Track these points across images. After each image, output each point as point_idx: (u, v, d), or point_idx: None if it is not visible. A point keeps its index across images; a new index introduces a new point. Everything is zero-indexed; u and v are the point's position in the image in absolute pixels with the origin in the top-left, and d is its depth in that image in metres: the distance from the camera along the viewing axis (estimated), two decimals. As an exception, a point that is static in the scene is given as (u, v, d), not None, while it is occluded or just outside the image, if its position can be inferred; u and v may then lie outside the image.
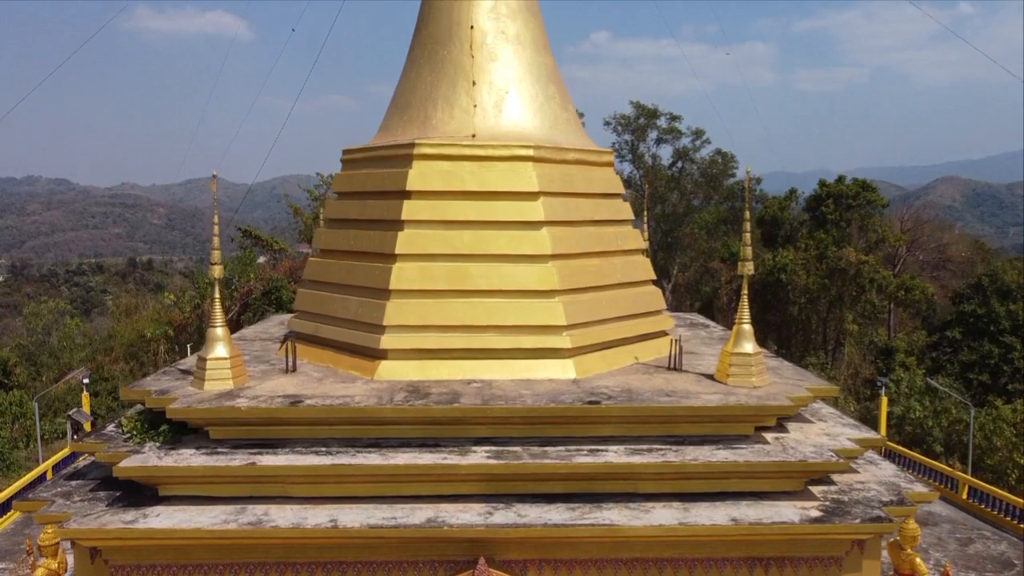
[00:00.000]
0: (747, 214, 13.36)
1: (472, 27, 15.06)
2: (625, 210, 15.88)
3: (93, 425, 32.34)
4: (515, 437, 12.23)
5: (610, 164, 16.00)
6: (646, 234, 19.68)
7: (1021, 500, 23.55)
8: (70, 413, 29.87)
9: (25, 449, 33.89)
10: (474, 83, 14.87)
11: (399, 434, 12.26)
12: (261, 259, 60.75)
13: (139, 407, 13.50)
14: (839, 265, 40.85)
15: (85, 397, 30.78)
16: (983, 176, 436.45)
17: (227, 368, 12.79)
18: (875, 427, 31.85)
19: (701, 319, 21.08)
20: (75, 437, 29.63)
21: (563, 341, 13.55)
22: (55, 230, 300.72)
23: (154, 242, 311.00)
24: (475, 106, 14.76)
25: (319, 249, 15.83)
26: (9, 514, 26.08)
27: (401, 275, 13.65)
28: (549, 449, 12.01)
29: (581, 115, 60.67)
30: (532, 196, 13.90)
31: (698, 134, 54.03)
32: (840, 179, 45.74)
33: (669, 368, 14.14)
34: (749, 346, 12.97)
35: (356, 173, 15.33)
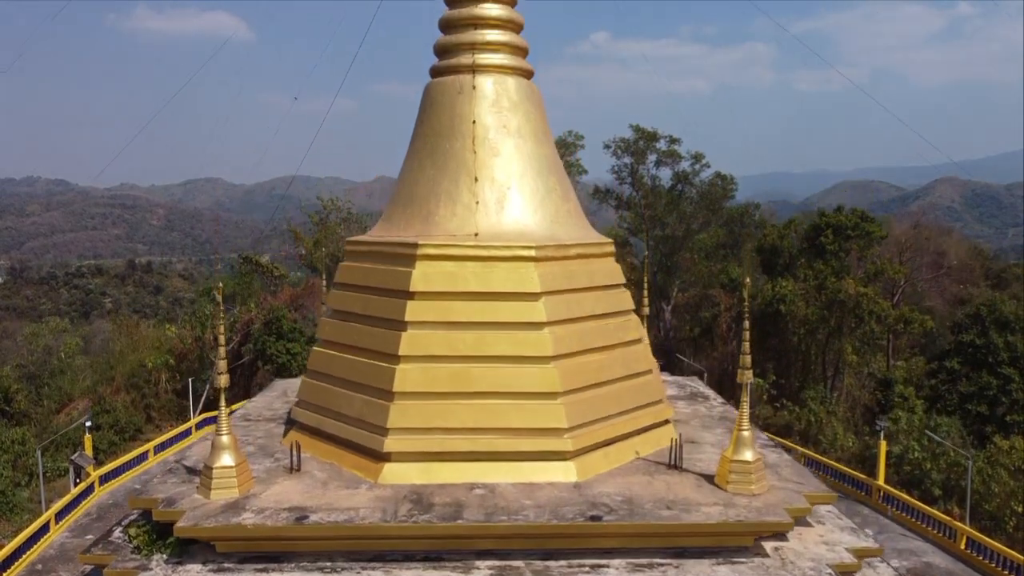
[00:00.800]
0: (746, 323, 13.46)
1: (474, 121, 15.20)
2: (626, 300, 16.01)
3: (97, 456, 32.50)
4: (518, 550, 12.38)
5: (611, 254, 16.13)
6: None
7: (1020, 556, 23.71)
8: (73, 458, 29.94)
9: (27, 488, 34.01)
10: (476, 179, 15.00)
11: (404, 547, 12.41)
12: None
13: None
14: (838, 297, 41.00)
15: (87, 439, 30.86)
16: (982, 176, 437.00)
17: (232, 477, 12.92)
18: (873, 468, 32.03)
19: (700, 387, 21.22)
20: (77, 480, 29.80)
21: (565, 444, 13.68)
22: (54, 231, 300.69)
23: (153, 243, 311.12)
24: (477, 203, 14.90)
25: (321, 340, 15.95)
26: (11, 570, 26.19)
27: (404, 377, 13.78)
28: (551, 564, 12.16)
29: (581, 138, 60.78)
30: (534, 297, 14.03)
31: (697, 158, 54.14)
32: (839, 209, 45.89)
33: (670, 465, 14.27)
34: (749, 454, 13.11)
35: (359, 266, 15.45)
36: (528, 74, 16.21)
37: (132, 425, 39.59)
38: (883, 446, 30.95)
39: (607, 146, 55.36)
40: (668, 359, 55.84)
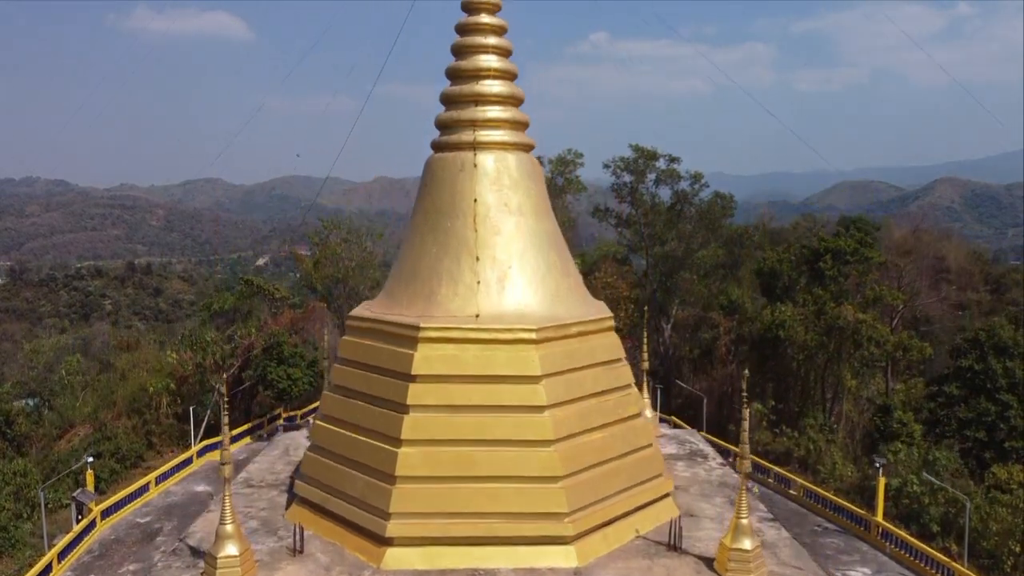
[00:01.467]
0: (744, 423, 13.55)
1: (476, 200, 15.31)
2: (625, 375, 16.12)
3: (99, 484, 32.62)
4: (519, 642, 12.51)
5: (610, 328, 16.24)
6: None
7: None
8: (75, 495, 30.06)
9: (29, 520, 34.08)
10: (478, 258, 15.12)
11: (405, 640, 12.54)
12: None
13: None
14: (837, 323, 41.05)
15: (89, 475, 30.98)
16: (981, 176, 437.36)
17: (236, 567, 13.03)
18: (872, 499, 32.17)
19: (699, 444, 21.33)
20: (79, 517, 29.93)
21: (566, 528, 13.81)
22: (54, 232, 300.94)
23: (153, 244, 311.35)
24: (479, 282, 15.01)
25: (324, 415, 16.06)
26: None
27: (406, 461, 13.90)
28: (552, 658, 12.29)
29: (580, 156, 60.87)
30: (534, 380, 14.16)
31: (696, 178, 54.20)
32: (838, 234, 45.93)
33: (670, 546, 14.39)
34: (747, 542, 13.23)
35: (361, 343, 15.55)
36: (528, 148, 16.32)
37: (133, 452, 39.64)
38: (881, 482, 31.09)
39: (606, 165, 55.39)
40: (668, 379, 56.04)
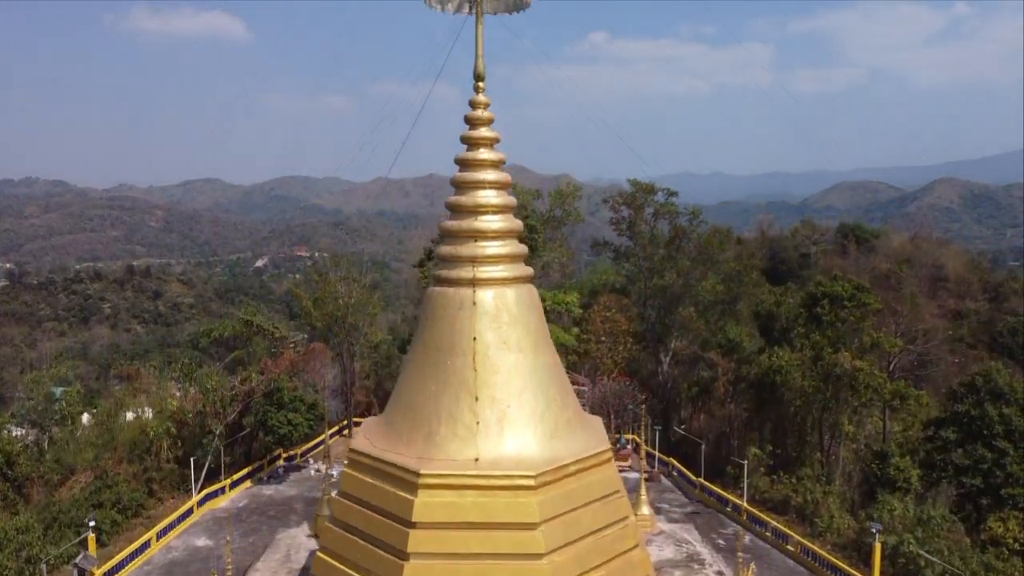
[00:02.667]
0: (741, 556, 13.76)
1: (475, 338, 15.48)
2: (623, 507, 16.32)
3: (100, 536, 32.76)
4: None
5: (608, 460, 16.43)
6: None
7: None
8: (76, 561, 30.28)
9: (32, 578, 34.34)
10: (477, 398, 15.30)
11: None
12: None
13: None
14: (834, 371, 41.29)
15: (91, 540, 31.21)
16: (981, 176, 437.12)
17: None
18: (869, 556, 32.43)
19: (696, 544, 21.51)
20: (82, 585, 30.17)
21: (563, 677, 14.00)
22: (53, 233, 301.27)
23: (152, 245, 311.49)
24: (478, 423, 15.20)
25: (323, 546, 16.25)
26: None
27: (407, 610, 14.08)
28: None
29: (578, 189, 61.05)
30: (532, 527, 14.34)
31: (695, 214, 54.53)
32: (835, 278, 46.11)
33: None
34: None
35: (363, 480, 15.74)
36: (527, 279, 16.49)
37: (134, 501, 39.85)
38: (877, 548, 31.39)
39: (605, 200, 55.76)
40: (667, 412, 56.32)
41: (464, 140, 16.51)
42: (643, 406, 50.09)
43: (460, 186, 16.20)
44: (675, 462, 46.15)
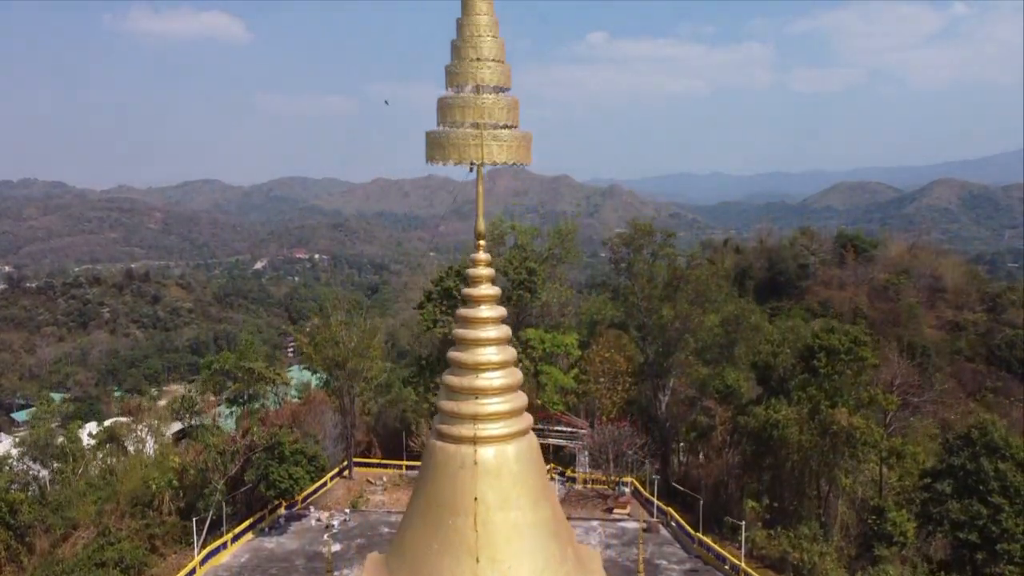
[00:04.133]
0: None
1: (476, 499, 15.74)
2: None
3: None
4: None
5: (608, 609, 16.70)
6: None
7: None
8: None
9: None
10: (478, 560, 15.54)
11: None
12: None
13: None
14: (831, 428, 41.62)
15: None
16: (979, 176, 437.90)
17: None
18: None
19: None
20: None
21: None
22: (52, 235, 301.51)
23: (151, 247, 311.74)
24: (480, 587, 15.43)
25: None
26: None
27: None
28: None
29: (575, 228, 61.15)
30: None
31: (692, 256, 54.89)
32: (831, 330, 46.34)
33: None
34: None
35: (366, 637, 15.98)
36: (528, 430, 16.76)
37: (137, 559, 40.13)
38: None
39: (605, 242, 56.06)
40: (665, 452, 56.69)
41: (465, 297, 16.75)
42: (643, 448, 50.49)
43: (461, 343, 16.41)
44: (673, 512, 46.53)
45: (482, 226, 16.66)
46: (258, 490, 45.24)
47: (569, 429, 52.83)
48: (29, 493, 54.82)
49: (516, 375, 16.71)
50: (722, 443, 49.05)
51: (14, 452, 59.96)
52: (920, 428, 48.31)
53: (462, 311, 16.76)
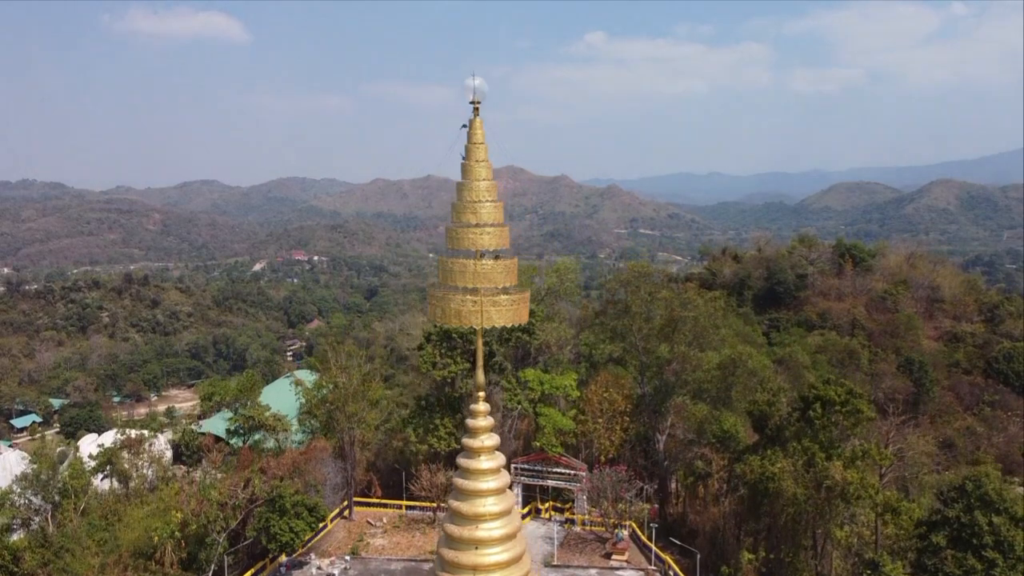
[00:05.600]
0: None
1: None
2: None
3: None
4: None
5: None
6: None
7: None
8: None
9: None
10: None
11: None
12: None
13: None
14: (825, 482, 41.99)
15: None
16: (978, 177, 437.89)
17: None
18: None
19: None
20: None
21: None
22: (50, 237, 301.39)
23: (149, 248, 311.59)
24: None
25: None
26: None
27: None
28: None
29: (575, 265, 61.40)
30: None
31: (687, 301, 55.27)
32: (827, 381, 46.69)
33: None
34: None
35: None
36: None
37: (139, 618, 40.56)
38: None
39: (601, 284, 56.34)
40: (664, 491, 57.09)
41: (465, 448, 17.21)
42: (641, 493, 50.83)
43: (460, 493, 16.91)
44: (671, 561, 46.97)
45: (482, 379, 17.05)
46: (257, 542, 45.58)
47: (568, 471, 53.14)
48: (30, 529, 55.37)
49: (515, 522, 17.14)
50: (718, 491, 49.43)
51: (16, 488, 60.41)
52: (918, 444, 48.54)
53: (462, 461, 17.18)
